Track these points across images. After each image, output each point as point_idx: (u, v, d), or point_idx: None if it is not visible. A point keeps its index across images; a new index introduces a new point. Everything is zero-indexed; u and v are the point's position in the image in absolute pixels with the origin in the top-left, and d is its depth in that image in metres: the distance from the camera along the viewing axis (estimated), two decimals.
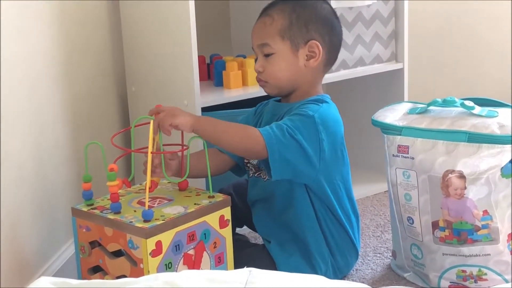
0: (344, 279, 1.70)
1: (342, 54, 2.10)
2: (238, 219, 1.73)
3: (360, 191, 2.21)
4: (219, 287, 0.97)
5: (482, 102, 1.63)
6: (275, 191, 1.63)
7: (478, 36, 2.80)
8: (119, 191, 1.53)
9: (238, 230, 1.83)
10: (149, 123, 1.50)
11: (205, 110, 1.86)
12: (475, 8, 2.77)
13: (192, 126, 1.50)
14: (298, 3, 1.63)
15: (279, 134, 1.51)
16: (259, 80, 1.67)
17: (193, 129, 1.51)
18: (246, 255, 1.63)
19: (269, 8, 1.65)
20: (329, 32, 1.64)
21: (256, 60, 1.67)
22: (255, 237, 1.89)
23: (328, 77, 2.08)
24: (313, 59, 1.62)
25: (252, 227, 1.80)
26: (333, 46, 1.66)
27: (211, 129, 1.52)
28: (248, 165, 1.69)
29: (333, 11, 1.68)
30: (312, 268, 1.61)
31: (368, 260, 1.80)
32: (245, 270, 1.03)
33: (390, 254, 1.81)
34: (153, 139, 1.49)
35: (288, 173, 1.54)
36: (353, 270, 1.74)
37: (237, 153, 1.60)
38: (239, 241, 1.71)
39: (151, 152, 1.47)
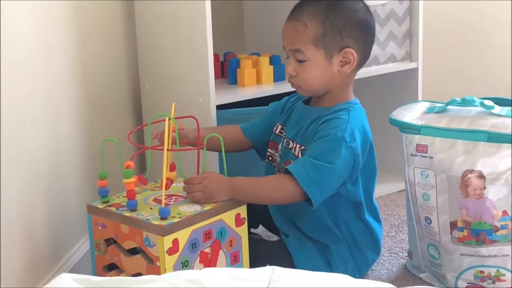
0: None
1: None
2: (255, 219, 1.71)
3: None
4: (242, 285, 0.96)
5: (501, 101, 1.62)
6: None
7: (492, 36, 2.78)
8: (135, 188, 1.52)
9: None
10: (164, 120, 1.49)
11: (219, 108, 1.85)
12: (490, 8, 2.75)
13: (227, 199, 1.50)
14: (330, 6, 1.57)
15: (314, 175, 1.49)
16: (291, 83, 1.64)
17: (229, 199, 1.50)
18: (263, 250, 1.62)
19: (300, 11, 1.59)
20: (363, 35, 1.60)
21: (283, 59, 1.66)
22: (268, 236, 1.88)
23: None
24: (347, 65, 1.58)
25: (268, 226, 1.78)
26: (366, 47, 1.62)
27: (246, 196, 1.52)
28: (273, 162, 1.69)
29: (367, 9, 1.62)
30: (329, 267, 1.60)
31: (383, 260, 1.79)
32: (268, 269, 1.01)
33: (406, 254, 1.80)
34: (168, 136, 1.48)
35: (327, 196, 1.55)
36: (369, 271, 1.73)
37: (277, 204, 1.61)
38: (253, 239, 1.69)
39: (168, 150, 1.46)
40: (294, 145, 1.61)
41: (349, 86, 1.64)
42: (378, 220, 1.69)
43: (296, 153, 1.60)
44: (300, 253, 1.60)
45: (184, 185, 1.51)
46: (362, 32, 1.59)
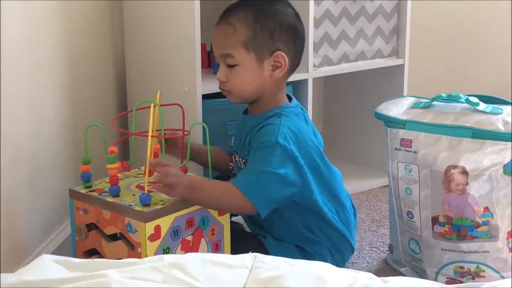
0: None
1: (344, 47, 2.09)
2: None
3: (355, 186, 2.21)
4: (225, 271, 0.96)
5: (486, 99, 1.63)
6: None
7: (479, 34, 2.79)
8: (118, 174, 1.51)
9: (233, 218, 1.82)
10: (149, 107, 1.48)
11: (205, 97, 1.84)
12: (477, 6, 2.77)
13: (181, 197, 1.45)
14: (260, 9, 1.56)
15: (253, 180, 1.48)
16: (222, 90, 1.62)
17: (182, 199, 1.45)
18: (243, 248, 1.61)
19: (229, 14, 1.57)
20: (294, 39, 1.58)
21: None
22: None
23: (329, 70, 2.08)
24: (278, 69, 1.56)
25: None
26: (297, 52, 1.60)
27: (198, 201, 1.46)
28: (233, 172, 1.69)
29: (296, 15, 1.61)
30: None
31: (364, 254, 1.79)
32: (251, 255, 1.02)
33: (386, 249, 1.80)
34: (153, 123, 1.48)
35: (275, 205, 1.52)
36: (348, 263, 1.73)
37: (229, 212, 1.55)
38: (234, 230, 1.69)
39: (152, 136, 1.45)
40: (238, 158, 1.62)
41: (280, 91, 1.62)
42: (346, 211, 1.65)
43: (242, 166, 1.60)
44: (279, 253, 1.58)
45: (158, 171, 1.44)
46: (293, 37, 1.58)
